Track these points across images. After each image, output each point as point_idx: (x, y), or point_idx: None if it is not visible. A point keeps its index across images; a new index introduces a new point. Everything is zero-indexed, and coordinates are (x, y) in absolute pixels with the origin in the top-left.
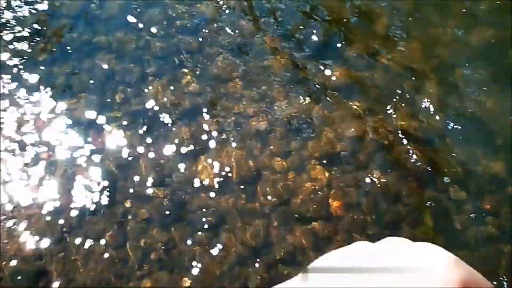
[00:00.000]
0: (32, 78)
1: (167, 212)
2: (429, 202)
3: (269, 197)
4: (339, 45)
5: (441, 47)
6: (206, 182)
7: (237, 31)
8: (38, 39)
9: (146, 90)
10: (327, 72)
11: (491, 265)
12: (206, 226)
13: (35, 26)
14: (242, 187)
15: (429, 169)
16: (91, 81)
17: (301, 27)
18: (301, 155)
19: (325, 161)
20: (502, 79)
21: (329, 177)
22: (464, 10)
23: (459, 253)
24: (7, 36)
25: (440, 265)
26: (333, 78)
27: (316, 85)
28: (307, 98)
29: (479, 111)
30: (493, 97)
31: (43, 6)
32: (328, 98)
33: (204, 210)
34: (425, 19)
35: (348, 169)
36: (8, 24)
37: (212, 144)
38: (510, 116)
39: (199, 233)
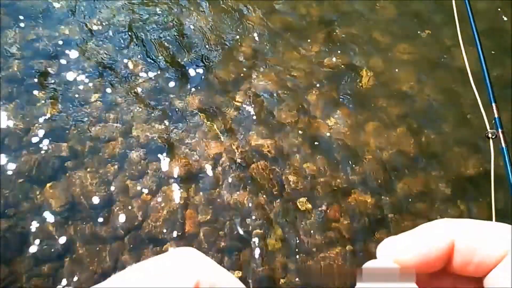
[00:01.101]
0: None
1: (9, 244)
2: (279, 214)
3: (122, 221)
4: (200, 71)
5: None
6: (55, 210)
7: (102, 55)
8: None
9: None
10: (189, 97)
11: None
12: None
13: None
14: (94, 212)
15: (280, 183)
16: None
17: (164, 53)
18: (158, 176)
19: (182, 181)
20: (350, 101)
21: (186, 196)
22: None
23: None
24: None
25: None
26: (194, 102)
27: (177, 109)
28: (166, 121)
29: (326, 129)
30: (340, 116)
31: None
32: (187, 121)
33: (49, 240)
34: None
35: (204, 187)
36: None
37: (62, 170)
38: (348, 131)
39: (44, 265)
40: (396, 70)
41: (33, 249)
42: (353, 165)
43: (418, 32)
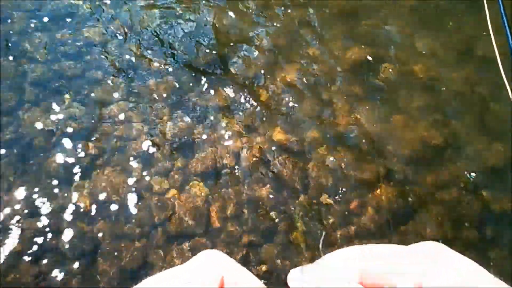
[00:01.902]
0: None
1: (38, 243)
2: (301, 209)
3: (148, 218)
4: (221, 68)
5: (319, 65)
6: (83, 208)
7: (124, 55)
8: None
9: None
10: (211, 93)
11: None
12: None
13: None
14: (120, 209)
15: (303, 177)
16: None
17: (185, 51)
18: (182, 173)
19: (206, 177)
20: (373, 94)
21: (210, 192)
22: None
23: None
24: None
25: None
26: (216, 99)
27: (199, 107)
28: (189, 119)
29: (349, 123)
30: (363, 109)
31: None
32: (209, 118)
33: (78, 238)
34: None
35: (227, 184)
36: None
37: (89, 168)
38: (374, 124)
39: (74, 262)
40: (419, 61)
41: (62, 247)
42: (377, 158)
43: (441, 22)
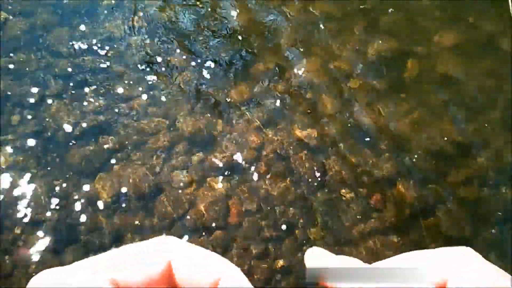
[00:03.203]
0: None
1: (61, 235)
2: (321, 204)
3: (167, 211)
4: (241, 62)
5: (339, 59)
6: (104, 201)
7: (145, 50)
8: None
9: (46, 111)
10: (230, 88)
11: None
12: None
13: None
14: (140, 203)
15: (323, 173)
16: None
17: (206, 45)
18: (202, 167)
19: (226, 172)
20: (395, 89)
21: (229, 186)
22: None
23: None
24: None
25: None
26: (236, 94)
27: (219, 102)
28: (209, 114)
29: (369, 118)
30: (384, 105)
31: None
32: (229, 113)
33: (98, 230)
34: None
35: (246, 179)
36: None
37: (110, 162)
38: (395, 120)
39: (94, 254)
40: (441, 56)
41: (82, 239)
42: (398, 154)
43: (464, 16)
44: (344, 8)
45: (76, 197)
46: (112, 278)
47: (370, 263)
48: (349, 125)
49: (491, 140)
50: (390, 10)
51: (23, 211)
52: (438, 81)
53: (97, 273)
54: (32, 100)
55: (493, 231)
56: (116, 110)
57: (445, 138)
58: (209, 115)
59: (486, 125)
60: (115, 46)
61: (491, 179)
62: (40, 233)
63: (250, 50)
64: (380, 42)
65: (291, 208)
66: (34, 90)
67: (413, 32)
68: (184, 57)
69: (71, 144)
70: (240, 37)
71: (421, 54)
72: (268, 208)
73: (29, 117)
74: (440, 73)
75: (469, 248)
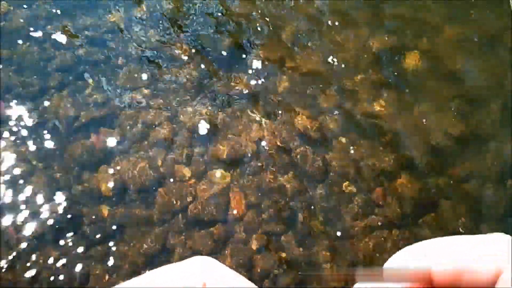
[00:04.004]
0: None
1: (61, 226)
2: (321, 197)
3: (169, 204)
4: (244, 55)
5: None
6: (105, 193)
7: (147, 41)
8: None
9: (47, 103)
10: (233, 81)
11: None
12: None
13: None
14: (142, 195)
15: (324, 166)
16: None
17: (209, 37)
18: (204, 160)
19: (227, 165)
20: (398, 83)
21: (231, 179)
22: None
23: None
24: None
25: None
26: (239, 86)
27: (221, 94)
28: (211, 106)
29: (372, 111)
30: (387, 98)
31: None
32: (232, 105)
33: (99, 223)
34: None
35: (248, 172)
36: None
37: (112, 154)
38: (398, 114)
39: (94, 247)
40: (445, 51)
41: (83, 231)
42: (400, 148)
43: (468, 12)
44: (349, 1)
45: (76, 188)
46: None
47: (371, 255)
48: (351, 118)
49: (494, 135)
50: (394, 5)
51: (24, 202)
52: (441, 75)
53: None
54: (33, 92)
55: (495, 225)
56: (118, 102)
57: (448, 133)
58: (211, 107)
59: (488, 119)
60: (117, 37)
61: (494, 174)
62: (41, 224)
63: (254, 43)
64: (385, 36)
65: (292, 202)
66: (35, 81)
67: (417, 27)
68: (186, 49)
69: (72, 136)
70: (243, 29)
71: (424, 49)
72: (269, 201)
73: (30, 108)
74: (443, 68)
75: (508, 236)
